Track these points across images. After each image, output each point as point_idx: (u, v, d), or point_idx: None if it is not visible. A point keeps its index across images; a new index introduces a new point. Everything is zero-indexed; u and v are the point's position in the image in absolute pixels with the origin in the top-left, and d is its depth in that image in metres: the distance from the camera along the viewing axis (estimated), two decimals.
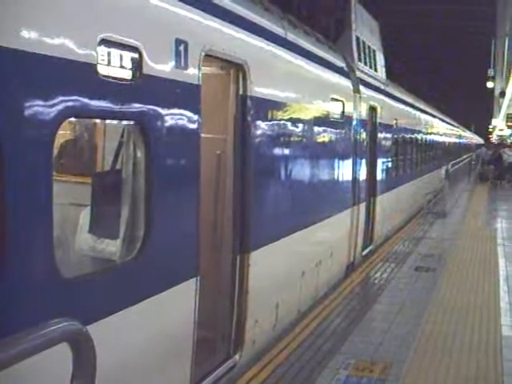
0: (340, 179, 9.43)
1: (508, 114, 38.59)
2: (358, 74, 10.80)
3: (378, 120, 12.17)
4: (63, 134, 4.09)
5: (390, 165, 13.97)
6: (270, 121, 6.40)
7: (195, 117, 4.68)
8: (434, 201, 19.93)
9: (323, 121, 8.35)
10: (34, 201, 3.22)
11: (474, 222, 16.74)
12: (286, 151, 6.96)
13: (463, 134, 50.95)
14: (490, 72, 31.58)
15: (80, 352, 2.58)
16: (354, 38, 10.97)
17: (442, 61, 34.28)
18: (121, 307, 3.84)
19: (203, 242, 4.91)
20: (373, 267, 10.36)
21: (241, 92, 5.64)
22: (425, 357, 6.19)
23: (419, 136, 19.81)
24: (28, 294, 3.19)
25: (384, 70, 13.79)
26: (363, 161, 10.81)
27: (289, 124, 6.95)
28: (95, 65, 3.58)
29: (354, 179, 10.18)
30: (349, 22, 11.01)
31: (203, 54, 4.79)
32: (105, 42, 3.66)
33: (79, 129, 4.57)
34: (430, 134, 23.71)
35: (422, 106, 21.89)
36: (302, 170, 7.58)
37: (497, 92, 36.34)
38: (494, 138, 61.18)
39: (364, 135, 10.93)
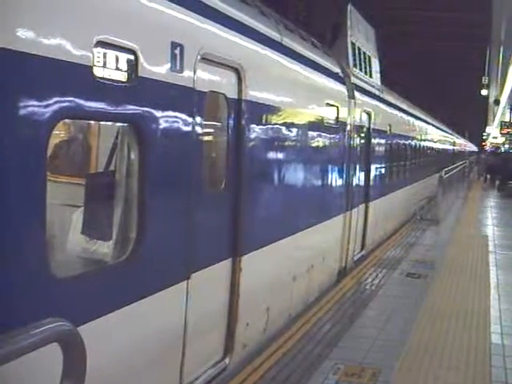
0: (333, 184, 9.45)
1: (502, 122, 38.74)
2: (353, 79, 10.83)
3: (372, 126, 12.21)
4: (57, 134, 4.09)
5: (383, 171, 14.00)
6: (264, 125, 6.41)
7: (190, 119, 4.69)
8: (427, 207, 19.98)
9: (317, 126, 8.37)
10: (28, 201, 3.22)
11: (465, 228, 16.77)
12: (280, 156, 6.98)
13: (457, 141, 51.06)
14: (485, 80, 31.69)
15: (70, 352, 2.58)
16: (349, 44, 11.00)
17: (437, 68, 34.40)
18: (111, 309, 3.85)
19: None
20: (364, 273, 10.36)
21: (235, 96, 5.66)
22: (414, 363, 6.20)
23: (413, 142, 19.86)
24: (18, 294, 3.19)
25: (379, 75, 13.84)
26: (356, 166, 10.83)
27: (283, 128, 6.97)
28: (91, 66, 3.59)
29: (347, 185, 10.20)
30: (344, 27, 11.05)
31: (199, 57, 4.81)
32: (101, 43, 3.66)
33: (74, 130, 4.56)
34: (424, 140, 23.77)
35: (416, 113, 21.95)
36: (295, 175, 7.60)
37: (491, 100, 36.48)
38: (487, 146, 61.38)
39: (358, 141, 10.95)
